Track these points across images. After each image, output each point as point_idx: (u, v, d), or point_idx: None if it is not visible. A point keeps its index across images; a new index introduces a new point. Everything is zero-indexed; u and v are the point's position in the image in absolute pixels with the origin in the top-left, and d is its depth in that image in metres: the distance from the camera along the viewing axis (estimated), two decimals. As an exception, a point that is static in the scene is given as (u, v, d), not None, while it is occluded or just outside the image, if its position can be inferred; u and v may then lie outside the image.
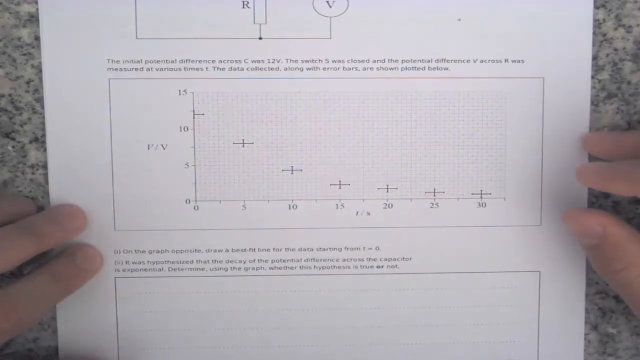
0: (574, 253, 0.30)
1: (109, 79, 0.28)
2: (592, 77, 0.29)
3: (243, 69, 0.29)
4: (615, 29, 0.29)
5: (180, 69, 0.29)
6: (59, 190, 0.29)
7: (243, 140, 0.29)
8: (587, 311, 0.31)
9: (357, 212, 0.30)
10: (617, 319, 0.31)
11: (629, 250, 0.26)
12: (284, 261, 0.30)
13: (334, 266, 0.30)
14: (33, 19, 0.28)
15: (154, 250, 0.30)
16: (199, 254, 0.30)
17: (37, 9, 0.28)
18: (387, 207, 0.30)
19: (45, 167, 0.29)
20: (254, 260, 0.30)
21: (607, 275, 0.27)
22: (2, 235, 0.26)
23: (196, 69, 0.29)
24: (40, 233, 0.27)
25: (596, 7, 0.29)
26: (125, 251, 0.29)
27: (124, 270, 0.30)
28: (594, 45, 0.29)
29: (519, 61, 0.29)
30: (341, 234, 0.30)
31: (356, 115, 0.29)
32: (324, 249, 0.30)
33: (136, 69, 0.28)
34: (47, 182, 0.29)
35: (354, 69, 0.29)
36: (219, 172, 0.29)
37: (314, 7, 0.28)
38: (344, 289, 0.30)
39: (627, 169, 0.25)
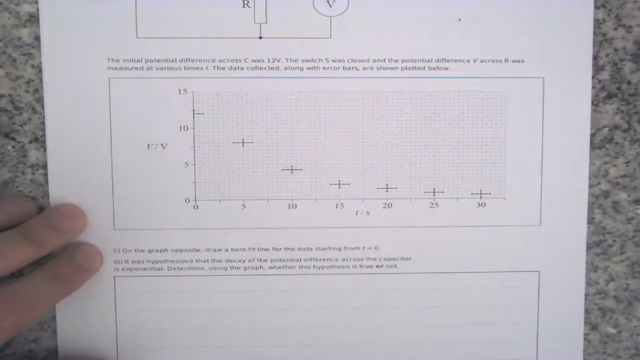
0: (573, 253, 0.30)
1: (109, 79, 0.28)
2: (592, 77, 0.29)
3: (243, 69, 0.29)
4: (615, 29, 0.29)
5: (180, 68, 0.29)
6: (59, 190, 0.29)
7: (243, 139, 0.29)
8: (587, 311, 0.31)
9: (357, 212, 0.30)
10: (617, 319, 0.31)
11: None
12: (283, 261, 0.30)
13: (334, 266, 0.30)
14: (33, 19, 0.28)
15: (153, 250, 0.30)
16: (199, 254, 0.30)
17: (37, 9, 0.28)
18: (386, 206, 0.30)
19: (45, 167, 0.29)
20: (254, 259, 0.30)
21: None
22: (2, 240, 0.26)
23: (196, 68, 0.29)
24: (39, 239, 0.27)
25: (596, 7, 0.29)
26: (125, 250, 0.29)
27: (123, 269, 0.30)
28: (594, 45, 0.29)
29: (519, 61, 0.29)
30: (341, 233, 0.30)
31: (356, 115, 0.29)
32: (324, 249, 0.30)
33: (136, 69, 0.28)
34: (47, 182, 0.29)
35: (354, 68, 0.29)
36: (218, 172, 0.29)
37: (314, 7, 0.28)
38: (344, 289, 0.30)
39: None
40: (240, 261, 0.30)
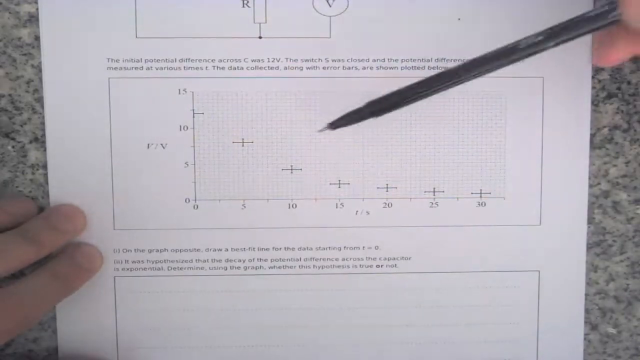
0: (573, 253, 0.30)
1: (109, 79, 0.28)
2: (592, 77, 0.29)
3: (243, 68, 0.29)
4: (615, 28, 0.29)
5: (179, 68, 0.29)
6: (59, 190, 0.29)
7: (243, 139, 0.29)
8: (587, 311, 0.31)
9: (357, 212, 0.30)
10: (617, 319, 0.31)
11: None
12: (283, 260, 0.30)
13: (334, 265, 0.30)
14: (33, 19, 0.28)
15: (153, 250, 0.30)
16: (199, 253, 0.30)
17: (37, 9, 0.28)
18: (386, 206, 0.30)
19: (45, 167, 0.29)
20: (254, 259, 0.30)
21: None
22: (2, 241, 0.26)
23: (196, 68, 0.29)
24: (39, 240, 0.27)
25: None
26: (125, 250, 0.29)
27: (123, 269, 0.30)
28: (593, 45, 0.29)
29: (518, 61, 0.29)
30: (341, 233, 0.30)
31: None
32: (324, 249, 0.30)
33: (136, 68, 0.28)
34: (47, 182, 0.29)
35: (354, 68, 0.29)
36: (218, 171, 0.29)
37: (313, 7, 0.28)
38: (343, 289, 0.30)
39: None
40: (240, 261, 0.30)
